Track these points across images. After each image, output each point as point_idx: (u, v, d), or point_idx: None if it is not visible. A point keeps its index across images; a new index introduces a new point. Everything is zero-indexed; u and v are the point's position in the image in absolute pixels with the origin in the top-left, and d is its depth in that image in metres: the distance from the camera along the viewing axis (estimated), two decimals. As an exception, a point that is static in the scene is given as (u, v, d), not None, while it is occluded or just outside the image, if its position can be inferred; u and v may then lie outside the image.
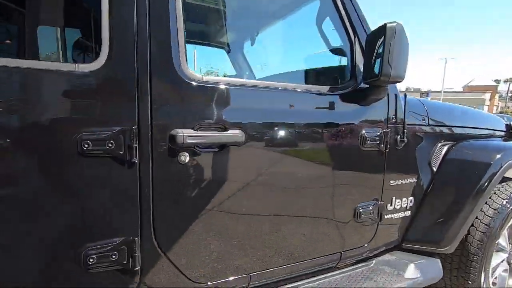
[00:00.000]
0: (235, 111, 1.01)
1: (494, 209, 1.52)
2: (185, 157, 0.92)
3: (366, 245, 1.36)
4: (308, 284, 1.26)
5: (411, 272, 1.39)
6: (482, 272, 1.52)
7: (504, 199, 1.54)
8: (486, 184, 1.43)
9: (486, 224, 1.50)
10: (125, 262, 0.87)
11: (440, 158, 1.54)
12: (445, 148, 1.56)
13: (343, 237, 1.29)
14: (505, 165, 1.47)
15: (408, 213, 1.45)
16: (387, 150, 1.31)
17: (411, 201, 1.45)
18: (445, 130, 1.57)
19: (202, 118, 0.94)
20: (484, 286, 1.54)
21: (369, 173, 1.31)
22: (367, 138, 1.23)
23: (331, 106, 1.19)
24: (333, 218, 1.25)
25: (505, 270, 1.71)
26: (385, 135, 1.28)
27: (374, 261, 1.45)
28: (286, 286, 1.23)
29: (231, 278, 1.07)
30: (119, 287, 0.90)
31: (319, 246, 1.25)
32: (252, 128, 1.03)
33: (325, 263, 1.29)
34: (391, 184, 1.36)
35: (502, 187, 1.62)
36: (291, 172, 1.14)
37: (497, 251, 1.67)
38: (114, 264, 0.86)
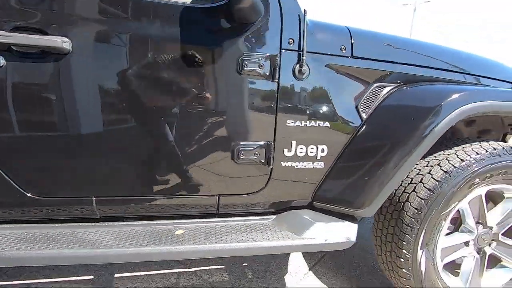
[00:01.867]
0: (60, 15, 0.93)
1: (445, 172, 1.16)
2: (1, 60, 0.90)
3: (253, 194, 1.17)
4: (180, 225, 1.15)
5: (311, 232, 1.16)
6: (419, 250, 1.19)
7: (463, 160, 1.16)
8: (423, 134, 1.09)
9: (429, 189, 1.15)
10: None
11: (377, 103, 1.23)
12: (385, 92, 1.23)
13: (220, 179, 1.13)
14: (456, 111, 1.09)
15: (319, 164, 1.20)
16: (279, 82, 1.08)
17: (323, 150, 1.19)
18: (386, 67, 1.23)
19: (19, 19, 0.90)
20: (423, 269, 1.21)
21: (254, 108, 1.10)
22: (246, 64, 1.04)
23: (199, 20, 1.03)
24: (202, 152, 1.09)
25: (471, 259, 1.31)
26: (273, 62, 1.06)
27: (274, 217, 1.25)
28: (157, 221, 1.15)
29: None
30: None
31: (185, 181, 1.11)
32: (82, 37, 0.94)
33: (197, 205, 1.16)
34: (288, 125, 1.13)
35: (466, 144, 1.22)
36: (144, 95, 1.02)
37: (462, 231, 1.29)
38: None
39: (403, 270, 1.22)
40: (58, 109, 0.96)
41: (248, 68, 1.04)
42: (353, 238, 1.16)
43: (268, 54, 1.06)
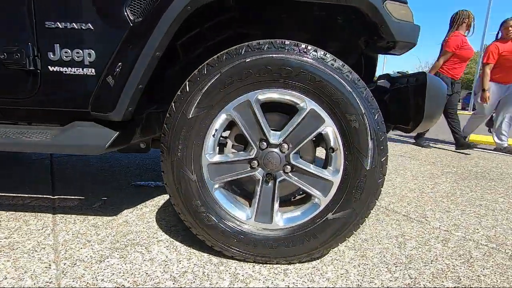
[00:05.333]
0: None
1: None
2: None
3: (29, 99, 1.20)
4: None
5: (66, 137, 1.14)
6: (171, 163, 1.07)
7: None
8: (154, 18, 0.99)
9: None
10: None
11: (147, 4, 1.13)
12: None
13: (-5, 81, 1.19)
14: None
15: (89, 70, 1.17)
16: None
17: (90, 54, 1.15)
18: None
19: None
20: (182, 186, 1.08)
21: (9, 10, 1.13)
22: None
23: None
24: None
25: (260, 185, 1.11)
26: None
27: (58, 126, 1.26)
28: None
29: None
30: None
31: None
32: None
33: None
34: (47, 26, 1.13)
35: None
36: None
37: (234, 147, 1.11)
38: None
39: (167, 186, 1.11)
40: None
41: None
42: (104, 144, 1.10)
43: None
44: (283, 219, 1.13)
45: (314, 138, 1.13)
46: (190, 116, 1.03)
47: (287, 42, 1.00)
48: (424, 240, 1.41)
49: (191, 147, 1.06)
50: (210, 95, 1.02)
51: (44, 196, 1.73)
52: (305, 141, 1.07)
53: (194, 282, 1.03)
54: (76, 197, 1.74)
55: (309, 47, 1.00)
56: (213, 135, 1.08)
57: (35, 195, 1.73)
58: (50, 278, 1.02)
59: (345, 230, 1.09)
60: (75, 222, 1.43)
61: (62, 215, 1.51)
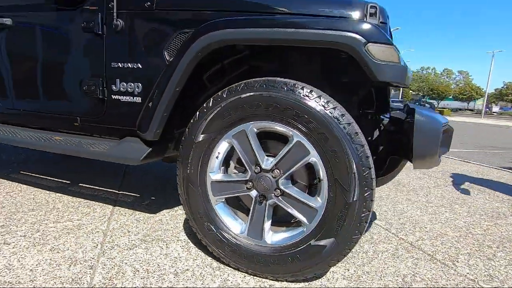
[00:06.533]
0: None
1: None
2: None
3: (99, 119, 1.62)
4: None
5: (114, 149, 1.50)
6: (183, 176, 1.30)
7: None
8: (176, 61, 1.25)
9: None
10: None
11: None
12: (185, 37, 1.39)
13: (79, 104, 1.65)
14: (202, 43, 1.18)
15: (137, 99, 1.51)
16: (105, 35, 1.50)
17: (138, 86, 1.49)
18: (189, 16, 1.38)
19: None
20: (190, 196, 1.30)
21: (91, 54, 1.56)
22: (86, 25, 1.53)
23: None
24: (72, 87, 1.65)
25: (256, 205, 1.25)
26: (101, 20, 1.49)
27: (117, 139, 1.64)
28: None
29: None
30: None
31: (61, 104, 1.71)
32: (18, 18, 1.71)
33: (66, 118, 1.70)
34: (112, 66, 1.52)
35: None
36: (38, 50, 1.70)
37: (236, 169, 1.27)
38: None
39: (180, 196, 1.35)
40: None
41: (84, 25, 1.53)
42: (139, 157, 1.42)
43: (96, 15, 1.51)
44: (272, 238, 1.24)
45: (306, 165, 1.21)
46: (198, 140, 1.25)
47: (277, 80, 1.12)
48: (437, 286, 1.29)
49: (198, 165, 1.27)
50: (213, 124, 1.22)
51: (113, 190, 2.21)
52: (293, 169, 1.16)
53: (190, 279, 1.23)
54: (133, 194, 2.16)
55: (297, 85, 1.10)
56: (216, 157, 1.27)
57: (106, 189, 2.23)
58: (93, 255, 1.36)
59: (327, 258, 1.13)
60: (124, 215, 1.81)
61: (119, 207, 1.92)
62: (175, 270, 1.29)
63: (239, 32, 1.16)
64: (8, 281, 1.15)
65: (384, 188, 2.69)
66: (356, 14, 1.17)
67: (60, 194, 2.07)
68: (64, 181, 2.36)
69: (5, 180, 2.30)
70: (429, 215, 2.12)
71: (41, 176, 2.44)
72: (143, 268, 1.29)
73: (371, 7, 1.18)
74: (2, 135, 1.79)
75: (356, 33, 1.01)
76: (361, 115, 1.42)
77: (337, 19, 1.11)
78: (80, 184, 2.30)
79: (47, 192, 2.11)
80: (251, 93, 1.14)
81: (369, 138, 1.51)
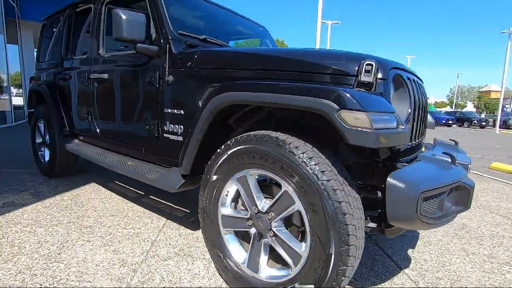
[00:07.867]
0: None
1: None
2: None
3: (155, 151, 2.05)
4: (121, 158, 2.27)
5: (159, 177, 1.89)
6: (201, 209, 1.56)
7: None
8: (200, 112, 1.55)
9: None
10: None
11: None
12: (213, 89, 1.67)
13: (144, 138, 2.13)
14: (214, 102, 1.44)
15: (180, 138, 1.87)
16: (161, 87, 1.93)
17: (181, 128, 1.85)
18: (216, 73, 1.65)
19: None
20: (204, 226, 1.55)
21: (152, 101, 2.01)
22: (150, 79, 1.99)
23: (131, 62, 2.11)
24: (140, 125, 2.15)
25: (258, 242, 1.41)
26: (158, 76, 1.93)
27: (168, 167, 2.04)
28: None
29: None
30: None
31: (133, 136, 2.23)
32: (118, 75, 2.33)
33: (136, 148, 2.20)
34: (165, 112, 1.93)
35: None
36: (120, 96, 2.26)
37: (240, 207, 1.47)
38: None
39: (200, 223, 1.62)
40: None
41: (149, 81, 1.99)
42: (175, 186, 1.75)
43: (156, 74, 1.95)
44: (267, 273, 1.38)
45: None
46: (212, 180, 1.50)
47: (269, 135, 1.28)
48: None
49: (211, 200, 1.52)
50: (222, 167, 1.45)
51: (171, 204, 2.67)
52: (283, 215, 1.29)
53: (198, 295, 1.48)
54: (184, 209, 2.57)
55: (287, 140, 1.24)
56: (226, 195, 1.50)
57: (167, 202, 2.70)
58: (139, 260, 1.76)
59: (308, 302, 1.20)
60: (172, 228, 2.20)
61: (170, 221, 2.33)
62: (191, 285, 1.55)
63: (235, 95, 1.40)
64: (81, 271, 1.62)
65: (439, 231, 2.40)
66: (351, 70, 1.24)
67: (133, 204, 2.64)
68: (140, 192, 2.97)
69: (103, 188, 3.05)
70: (481, 273, 1.83)
71: (126, 186, 3.13)
72: (168, 278, 1.60)
73: (367, 64, 1.22)
74: (97, 157, 2.44)
75: (330, 99, 1.09)
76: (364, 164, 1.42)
77: (314, 86, 1.21)
78: (150, 196, 2.86)
79: (126, 201, 2.71)
80: (248, 146, 1.33)
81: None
